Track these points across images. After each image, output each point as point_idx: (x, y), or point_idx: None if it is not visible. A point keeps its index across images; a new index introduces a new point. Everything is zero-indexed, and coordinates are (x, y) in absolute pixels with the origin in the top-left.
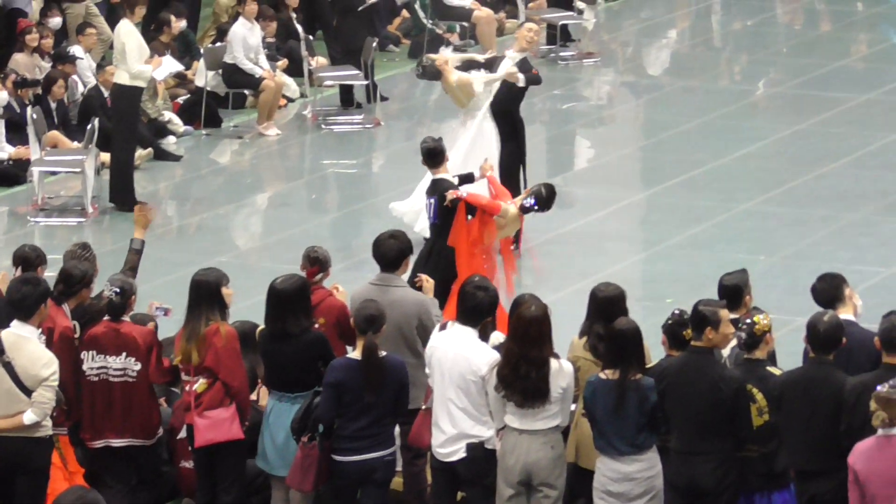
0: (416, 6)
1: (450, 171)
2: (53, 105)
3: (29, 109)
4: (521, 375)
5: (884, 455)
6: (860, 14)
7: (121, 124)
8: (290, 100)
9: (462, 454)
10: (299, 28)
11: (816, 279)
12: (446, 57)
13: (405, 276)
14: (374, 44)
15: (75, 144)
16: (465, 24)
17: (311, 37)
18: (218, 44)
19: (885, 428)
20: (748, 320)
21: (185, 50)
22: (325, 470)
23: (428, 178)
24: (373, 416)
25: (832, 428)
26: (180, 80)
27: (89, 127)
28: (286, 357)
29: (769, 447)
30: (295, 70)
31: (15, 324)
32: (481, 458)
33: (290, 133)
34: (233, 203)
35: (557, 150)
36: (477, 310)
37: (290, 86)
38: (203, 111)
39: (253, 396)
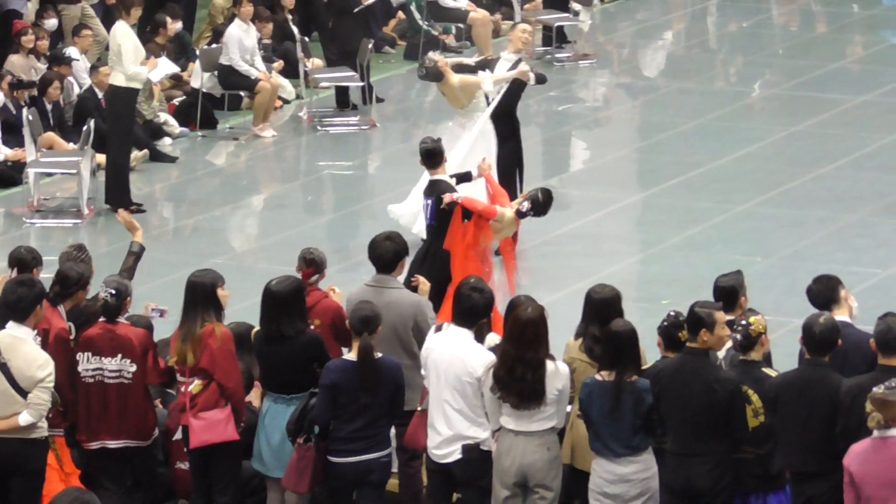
0: (412, 8)
1: (448, 172)
2: (49, 107)
3: (25, 111)
4: (517, 377)
5: (879, 457)
6: (856, 16)
7: (116, 126)
8: (286, 101)
9: (458, 455)
10: (295, 30)
11: (812, 281)
12: (436, 58)
13: (401, 278)
14: (370, 45)
15: (71, 146)
16: (461, 25)
17: (306, 38)
18: (214, 45)
19: (880, 429)
20: (743, 322)
21: (181, 51)
22: (321, 471)
23: (425, 179)
24: (368, 417)
25: (828, 430)
26: (176, 81)
27: (85, 128)
28: (281, 359)
29: (765, 449)
30: (291, 72)
31: (10, 325)
32: (477, 459)
33: (285, 135)
34: (228, 205)
35: (554, 151)
36: (472, 311)
37: (286, 87)
38: (199, 113)
39: (248, 398)
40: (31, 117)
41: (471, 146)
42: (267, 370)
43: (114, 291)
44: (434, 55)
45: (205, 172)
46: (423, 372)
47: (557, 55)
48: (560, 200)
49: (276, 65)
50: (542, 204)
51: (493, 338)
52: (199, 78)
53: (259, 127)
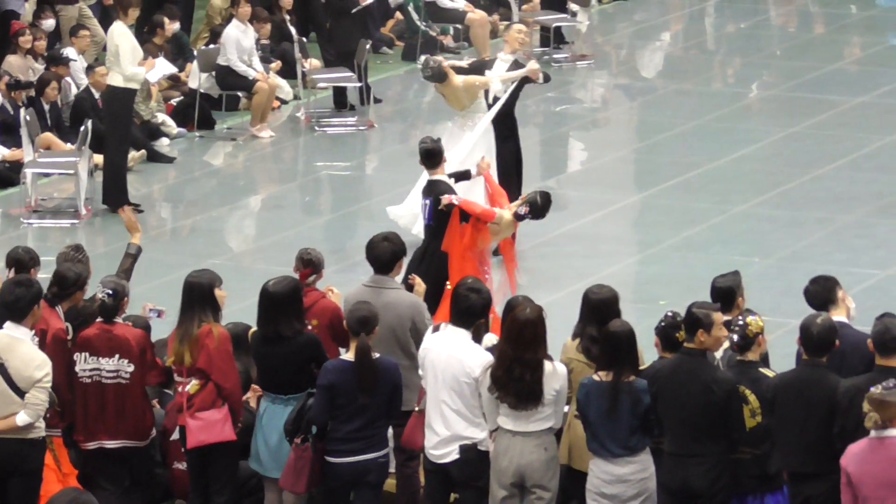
0: (410, 8)
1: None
2: (47, 107)
3: (22, 111)
4: (515, 377)
5: (877, 457)
6: (854, 17)
7: (114, 126)
8: (284, 102)
9: (455, 456)
10: (293, 30)
11: (809, 282)
12: (439, 59)
13: (399, 278)
14: (368, 46)
15: (68, 146)
16: (459, 26)
17: (304, 39)
18: (211, 46)
19: (877, 429)
20: (741, 322)
21: (179, 52)
22: (319, 472)
23: (424, 180)
24: (366, 417)
25: (825, 430)
26: (174, 82)
27: (82, 129)
28: (279, 359)
29: (762, 449)
30: (288, 72)
31: (8, 325)
32: (474, 459)
33: (283, 135)
34: (226, 205)
35: (551, 152)
36: (470, 311)
37: (284, 88)
38: (196, 113)
39: (245, 397)
40: (28, 118)
41: (473, 146)
42: (264, 371)
43: (111, 292)
44: (420, 59)
45: (202, 173)
46: (420, 372)
47: (555, 56)
48: (558, 201)
49: (273, 65)
50: (540, 207)
51: (491, 338)
52: (197, 78)
53: (257, 127)
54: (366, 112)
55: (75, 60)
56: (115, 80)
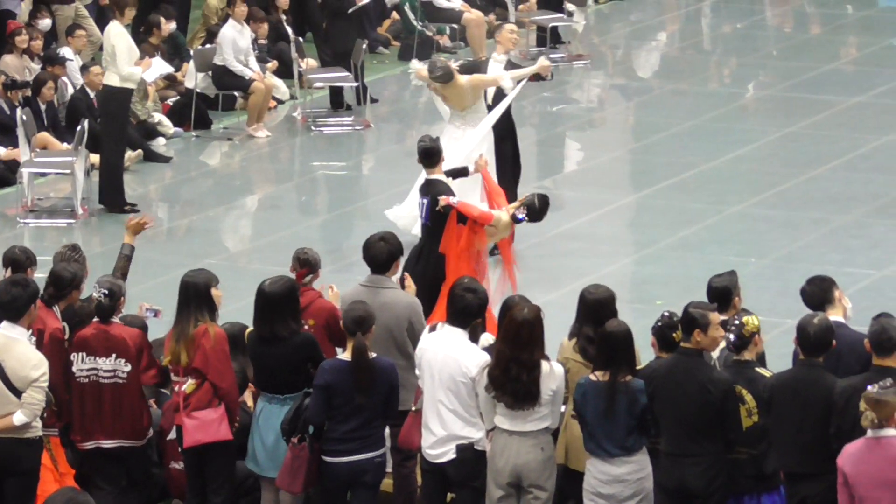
0: (406, 8)
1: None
2: (43, 107)
3: (18, 111)
4: (512, 377)
5: (873, 457)
6: (850, 17)
7: (110, 126)
8: (280, 102)
9: (452, 455)
10: (289, 30)
11: (805, 282)
12: (418, 68)
13: (395, 278)
14: (364, 46)
15: (65, 146)
16: (455, 26)
17: (300, 39)
18: (207, 46)
19: (874, 429)
20: (737, 322)
21: (175, 52)
22: (315, 471)
23: (421, 180)
24: (363, 417)
25: (822, 430)
26: (170, 81)
27: (79, 128)
28: (275, 359)
29: (759, 449)
30: (285, 72)
31: (4, 325)
32: (471, 459)
33: (279, 135)
34: (222, 205)
35: (547, 152)
36: (466, 311)
37: (280, 88)
38: (193, 113)
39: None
40: (25, 117)
41: (474, 146)
42: (261, 371)
43: (107, 292)
44: (412, 63)
45: (199, 173)
46: (417, 372)
47: (551, 56)
48: (554, 201)
49: (270, 65)
50: (537, 210)
51: (487, 338)
52: (194, 78)
53: (253, 127)
54: (362, 112)
55: (72, 60)
56: (112, 79)
